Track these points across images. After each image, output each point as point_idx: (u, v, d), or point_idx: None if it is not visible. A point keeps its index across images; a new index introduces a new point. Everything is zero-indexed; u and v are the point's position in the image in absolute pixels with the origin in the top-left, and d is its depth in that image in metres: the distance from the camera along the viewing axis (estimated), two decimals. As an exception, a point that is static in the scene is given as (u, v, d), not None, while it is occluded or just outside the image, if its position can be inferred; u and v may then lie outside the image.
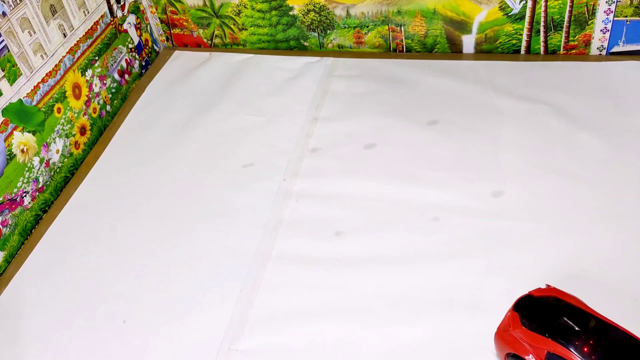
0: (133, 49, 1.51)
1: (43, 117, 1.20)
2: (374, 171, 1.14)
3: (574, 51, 1.37)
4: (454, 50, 1.44)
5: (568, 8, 1.31)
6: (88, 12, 1.34)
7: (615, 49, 1.35)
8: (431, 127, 1.22)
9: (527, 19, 1.35)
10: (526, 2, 1.32)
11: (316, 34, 1.49)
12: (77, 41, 1.30)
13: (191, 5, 1.52)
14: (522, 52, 1.40)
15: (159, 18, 1.57)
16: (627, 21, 1.30)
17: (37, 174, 1.18)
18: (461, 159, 1.14)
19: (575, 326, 0.76)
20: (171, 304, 0.97)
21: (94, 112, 1.36)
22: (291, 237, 1.05)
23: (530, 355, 0.77)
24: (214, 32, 1.56)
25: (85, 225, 1.13)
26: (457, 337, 0.87)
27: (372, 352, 0.87)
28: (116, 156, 1.28)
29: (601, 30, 1.33)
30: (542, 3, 1.32)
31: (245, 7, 1.49)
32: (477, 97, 1.27)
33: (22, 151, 1.15)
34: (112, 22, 1.42)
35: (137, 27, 1.53)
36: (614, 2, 1.28)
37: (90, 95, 1.34)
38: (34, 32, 1.18)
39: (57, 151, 1.24)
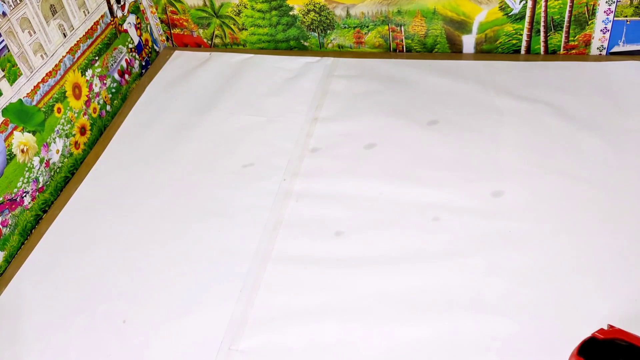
0: (133, 49, 1.51)
1: (43, 117, 1.20)
2: (373, 171, 1.14)
3: (574, 51, 1.37)
4: (454, 50, 1.44)
5: (568, 8, 1.31)
6: (88, 12, 1.34)
7: (615, 49, 1.35)
8: (431, 127, 1.22)
9: (527, 19, 1.35)
10: (526, 2, 1.32)
11: (316, 34, 1.49)
12: (77, 41, 1.30)
13: (191, 5, 1.52)
14: (522, 52, 1.40)
15: (159, 18, 1.57)
16: (627, 21, 1.30)
17: (37, 174, 1.18)
18: (461, 159, 1.14)
19: None
20: (171, 304, 0.97)
21: (94, 112, 1.36)
22: (291, 237, 1.05)
23: None
24: (214, 32, 1.56)
25: (85, 225, 1.13)
26: (457, 337, 0.87)
27: (372, 352, 0.87)
28: (116, 156, 1.28)
29: (601, 30, 1.33)
30: (542, 3, 1.32)
31: (245, 7, 1.48)
32: (477, 97, 1.27)
33: (22, 151, 1.15)
34: (112, 22, 1.42)
35: (137, 27, 1.52)
36: (614, 2, 1.28)
37: (90, 95, 1.34)
38: (34, 32, 1.18)
39: (57, 151, 1.24)
